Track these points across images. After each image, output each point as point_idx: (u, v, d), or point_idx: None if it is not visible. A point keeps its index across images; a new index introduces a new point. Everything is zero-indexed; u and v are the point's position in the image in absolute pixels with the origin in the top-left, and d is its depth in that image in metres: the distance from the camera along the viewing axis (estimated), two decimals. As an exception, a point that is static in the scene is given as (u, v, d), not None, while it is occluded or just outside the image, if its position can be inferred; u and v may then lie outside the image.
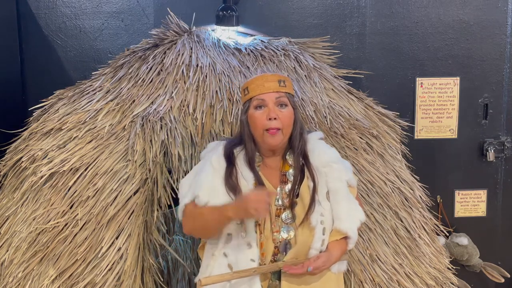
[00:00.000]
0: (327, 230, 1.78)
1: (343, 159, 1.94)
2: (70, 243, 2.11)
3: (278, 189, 1.83)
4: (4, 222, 2.27)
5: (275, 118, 1.78)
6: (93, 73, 2.56)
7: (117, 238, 2.10)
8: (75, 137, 2.24)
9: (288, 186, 1.83)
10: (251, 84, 1.85)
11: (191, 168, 2.03)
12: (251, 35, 2.73)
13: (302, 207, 1.80)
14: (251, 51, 2.52)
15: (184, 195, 1.82)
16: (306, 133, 1.90)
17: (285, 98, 1.82)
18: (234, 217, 1.69)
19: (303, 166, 1.85)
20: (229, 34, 2.69)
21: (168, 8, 2.56)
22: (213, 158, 1.84)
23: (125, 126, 2.25)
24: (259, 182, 1.80)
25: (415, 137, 3.05)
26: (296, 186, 1.82)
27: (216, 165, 1.82)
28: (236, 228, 1.76)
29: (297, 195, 1.81)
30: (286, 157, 1.86)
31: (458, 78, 3.05)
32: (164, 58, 2.40)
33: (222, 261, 1.77)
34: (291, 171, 1.84)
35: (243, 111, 1.86)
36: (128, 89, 2.35)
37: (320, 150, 1.88)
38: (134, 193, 2.15)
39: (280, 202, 1.81)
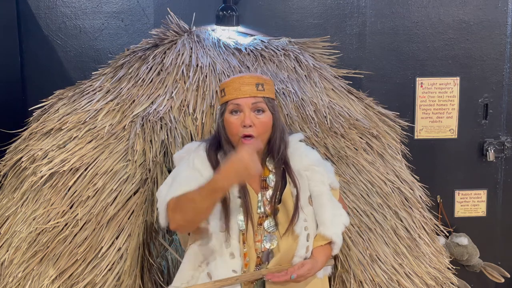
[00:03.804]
0: (311, 236, 1.74)
1: (324, 161, 1.88)
2: (70, 243, 2.11)
3: (259, 195, 1.77)
4: (4, 222, 2.27)
5: (250, 126, 1.70)
6: (93, 73, 2.56)
7: (117, 238, 2.10)
8: (75, 137, 2.24)
9: (269, 192, 1.77)
10: (228, 86, 1.76)
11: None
12: (251, 35, 2.73)
13: (285, 213, 1.74)
14: (251, 51, 2.52)
15: (164, 198, 1.70)
16: (287, 137, 1.83)
17: (263, 103, 1.74)
18: (226, 185, 1.56)
19: (284, 171, 1.79)
20: (229, 34, 2.69)
21: (168, 8, 2.56)
22: (196, 163, 1.75)
23: (125, 126, 2.25)
24: (242, 188, 1.73)
25: (415, 137, 3.05)
26: (278, 192, 1.76)
27: (200, 170, 1.72)
28: (218, 237, 1.70)
29: (280, 201, 1.76)
30: (266, 163, 1.78)
31: (458, 78, 3.05)
32: (164, 58, 2.40)
33: (202, 269, 1.72)
34: (271, 176, 1.78)
35: (219, 113, 1.78)
36: (128, 89, 2.35)
37: (301, 153, 1.82)
38: (134, 193, 2.15)
39: (262, 210, 1.75)
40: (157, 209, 2.11)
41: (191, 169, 1.73)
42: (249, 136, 1.71)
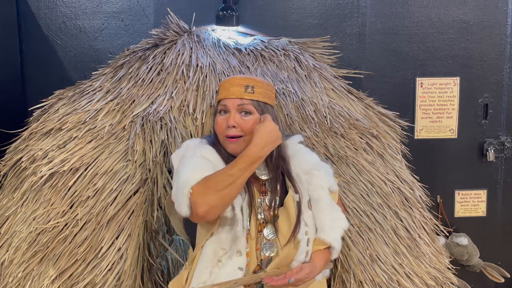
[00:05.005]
0: (310, 240, 1.74)
1: (323, 163, 1.87)
2: (70, 243, 2.11)
3: (259, 200, 1.76)
4: (4, 222, 2.27)
5: (234, 126, 1.72)
6: (93, 73, 2.56)
7: (117, 238, 2.10)
8: (75, 137, 2.24)
9: (269, 197, 1.76)
10: (221, 86, 1.80)
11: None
12: (251, 35, 2.73)
13: (286, 220, 1.73)
14: (251, 51, 2.52)
15: (182, 186, 1.65)
16: (284, 139, 1.81)
17: (250, 105, 1.74)
18: (264, 154, 1.65)
19: (283, 176, 1.78)
20: (229, 34, 2.69)
21: (168, 8, 2.56)
22: (204, 153, 1.74)
23: (125, 126, 2.25)
24: (247, 185, 1.72)
25: (415, 137, 3.05)
26: (277, 198, 1.75)
27: (211, 159, 1.72)
28: (230, 233, 1.69)
29: (280, 205, 1.75)
30: (256, 170, 1.73)
31: (458, 78, 3.05)
32: (164, 58, 2.40)
33: (223, 264, 1.71)
34: (270, 180, 1.77)
35: (213, 112, 1.82)
36: (128, 89, 2.35)
37: (301, 157, 1.81)
38: (134, 193, 2.15)
39: (262, 216, 1.74)
40: (157, 210, 2.13)
41: (202, 159, 1.72)
42: (233, 137, 1.72)
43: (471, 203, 3.12)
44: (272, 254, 1.73)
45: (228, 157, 1.75)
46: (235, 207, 1.69)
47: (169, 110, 2.25)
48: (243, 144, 1.72)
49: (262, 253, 1.72)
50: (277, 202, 1.75)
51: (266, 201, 1.76)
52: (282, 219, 1.73)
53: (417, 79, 3.03)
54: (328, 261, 1.79)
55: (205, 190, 1.62)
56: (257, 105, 1.76)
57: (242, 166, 1.62)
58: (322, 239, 1.75)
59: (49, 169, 2.18)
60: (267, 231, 1.74)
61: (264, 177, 1.76)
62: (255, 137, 1.65)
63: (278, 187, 1.76)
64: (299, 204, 1.74)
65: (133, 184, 2.15)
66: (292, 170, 1.79)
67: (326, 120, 2.37)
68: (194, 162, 1.71)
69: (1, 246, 2.23)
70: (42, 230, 2.14)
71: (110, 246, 2.09)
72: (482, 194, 3.12)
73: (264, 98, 1.78)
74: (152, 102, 2.28)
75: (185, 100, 2.27)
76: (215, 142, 1.81)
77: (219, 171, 1.66)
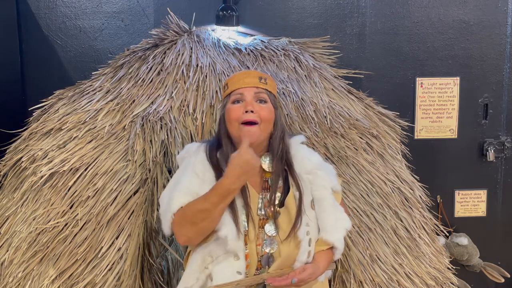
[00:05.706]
0: (313, 240, 1.73)
1: (326, 163, 1.87)
2: (70, 243, 2.11)
3: (260, 196, 1.74)
4: (4, 222, 2.27)
5: (252, 111, 1.70)
6: (93, 73, 2.56)
7: (117, 238, 2.10)
8: (75, 137, 2.24)
9: (270, 193, 1.74)
10: (231, 80, 1.79)
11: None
12: (251, 35, 2.73)
13: (287, 217, 1.72)
14: (251, 51, 2.52)
15: (167, 207, 1.69)
16: (288, 138, 1.82)
17: (265, 94, 1.75)
18: (237, 186, 1.61)
19: (287, 173, 1.76)
20: (229, 34, 2.69)
21: (168, 8, 2.56)
22: (196, 166, 1.72)
23: (125, 126, 2.25)
24: (243, 187, 1.70)
25: (415, 137, 3.05)
26: (279, 194, 1.74)
27: (200, 174, 1.71)
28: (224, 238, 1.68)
29: (282, 204, 1.74)
30: (261, 161, 1.74)
31: (458, 78, 3.05)
32: (164, 58, 2.40)
33: (210, 270, 1.70)
34: (273, 177, 1.75)
35: (221, 107, 1.79)
36: (128, 89, 2.36)
37: (303, 156, 1.80)
38: (134, 193, 2.15)
39: (263, 212, 1.73)
40: (157, 210, 2.12)
41: (192, 175, 1.71)
42: (251, 122, 1.70)
43: (471, 203, 3.12)
44: (272, 251, 1.72)
45: (221, 166, 1.73)
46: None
47: (169, 110, 2.25)
48: (259, 131, 1.71)
49: (262, 249, 1.72)
50: (280, 200, 1.75)
51: (268, 197, 1.74)
52: (283, 216, 1.73)
53: (417, 79, 3.03)
54: (331, 262, 1.78)
55: (182, 223, 1.65)
56: (270, 95, 1.77)
57: (215, 200, 1.61)
58: (325, 239, 1.74)
59: (49, 169, 2.18)
60: (268, 227, 1.73)
61: (268, 169, 1.76)
62: (228, 169, 1.61)
63: (280, 183, 1.75)
64: (300, 201, 1.73)
65: (133, 184, 2.15)
66: (295, 169, 1.78)
67: (326, 120, 2.37)
68: (184, 183, 1.70)
69: (1, 246, 2.23)
70: (42, 230, 2.14)
71: (110, 246, 2.09)
72: (482, 194, 3.12)
73: (274, 91, 1.81)
74: (152, 102, 2.29)
75: (185, 100, 2.27)
76: (214, 144, 1.79)
77: (195, 202, 1.64)
